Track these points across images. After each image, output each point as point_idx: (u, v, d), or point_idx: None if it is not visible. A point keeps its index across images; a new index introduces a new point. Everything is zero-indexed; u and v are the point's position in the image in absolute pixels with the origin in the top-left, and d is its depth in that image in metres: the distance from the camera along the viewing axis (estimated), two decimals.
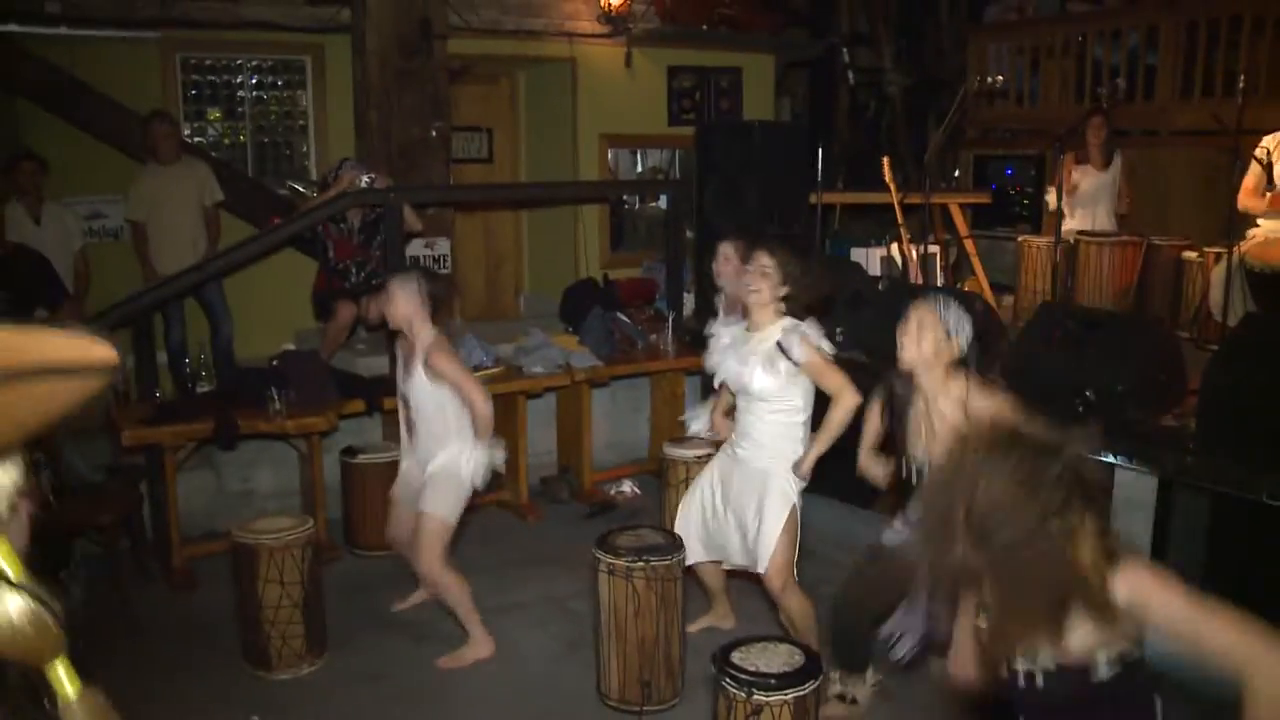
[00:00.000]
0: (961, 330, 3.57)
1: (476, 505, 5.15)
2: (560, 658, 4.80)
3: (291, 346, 6.79)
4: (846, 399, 4.07)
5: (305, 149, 8.60)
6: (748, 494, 4.30)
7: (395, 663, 4.76)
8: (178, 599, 5.43)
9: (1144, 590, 2.08)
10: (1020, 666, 2.25)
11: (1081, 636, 2.13)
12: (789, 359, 4.10)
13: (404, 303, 4.57)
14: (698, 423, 5.15)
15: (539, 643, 4.93)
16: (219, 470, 6.19)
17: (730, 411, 4.56)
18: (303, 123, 8.56)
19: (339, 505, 6.07)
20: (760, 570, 4.25)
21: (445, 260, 7.57)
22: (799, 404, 4.23)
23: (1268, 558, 4.62)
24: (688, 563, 4.48)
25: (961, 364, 3.63)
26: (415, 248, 7.18)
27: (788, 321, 4.18)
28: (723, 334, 4.45)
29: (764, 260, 4.17)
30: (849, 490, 5.30)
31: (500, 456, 4.73)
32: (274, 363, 6.09)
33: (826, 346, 4.16)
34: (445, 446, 4.61)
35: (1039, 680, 2.22)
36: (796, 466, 4.20)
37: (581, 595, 5.07)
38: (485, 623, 4.77)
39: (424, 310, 4.58)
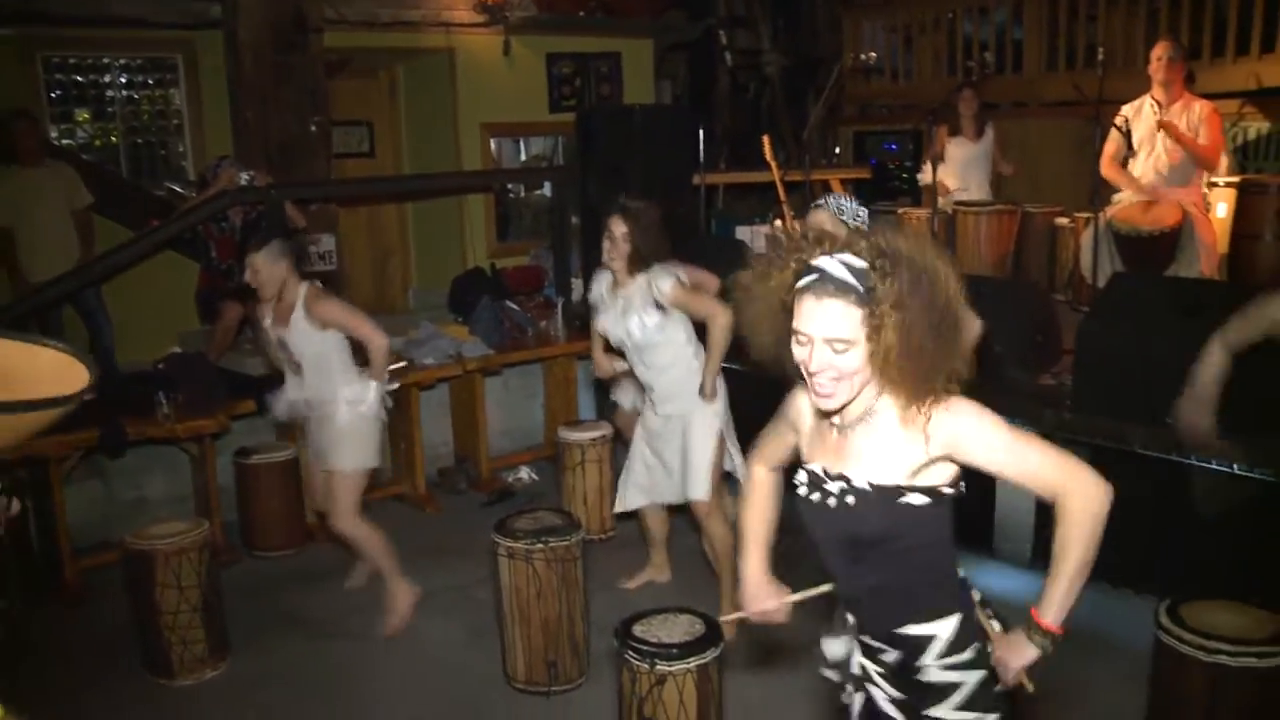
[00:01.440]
0: (862, 219, 3.59)
1: (370, 501, 5.19)
2: (466, 644, 4.84)
3: (178, 349, 6.69)
4: (720, 317, 4.32)
5: (181, 148, 8.43)
6: (672, 437, 4.67)
7: (300, 661, 4.76)
8: (72, 614, 5.32)
9: (966, 425, 2.10)
10: (834, 494, 2.20)
11: (899, 458, 2.14)
12: (658, 305, 4.45)
13: (272, 268, 4.61)
14: (625, 396, 5.55)
15: (444, 631, 4.96)
16: (108, 479, 6.07)
17: (610, 349, 4.86)
18: (177, 122, 8.39)
19: (235, 508, 6.02)
20: (689, 498, 4.63)
21: (331, 256, 7.52)
22: (683, 339, 4.60)
23: (1142, 505, 4.86)
24: (630, 508, 4.91)
25: None
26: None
27: (644, 276, 4.50)
28: (595, 292, 4.81)
29: (617, 228, 4.49)
30: None
31: (394, 384, 4.92)
32: (160, 366, 6.00)
33: (683, 277, 4.51)
34: (334, 388, 4.70)
35: (849, 502, 2.18)
36: (701, 393, 4.54)
37: (484, 582, 5.11)
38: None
39: (294, 270, 4.67)
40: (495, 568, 4.40)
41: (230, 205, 6.51)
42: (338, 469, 4.73)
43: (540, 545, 4.29)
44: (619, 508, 5.05)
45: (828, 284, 2.02)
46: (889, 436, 2.14)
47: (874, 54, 9.57)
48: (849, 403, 2.13)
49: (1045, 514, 5.14)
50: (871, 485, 2.15)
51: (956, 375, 2.10)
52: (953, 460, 2.14)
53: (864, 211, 3.55)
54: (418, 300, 9.32)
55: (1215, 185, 6.38)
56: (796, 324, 2.06)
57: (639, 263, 4.50)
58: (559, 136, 9.65)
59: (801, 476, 2.31)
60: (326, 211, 7.68)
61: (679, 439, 4.64)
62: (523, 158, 9.84)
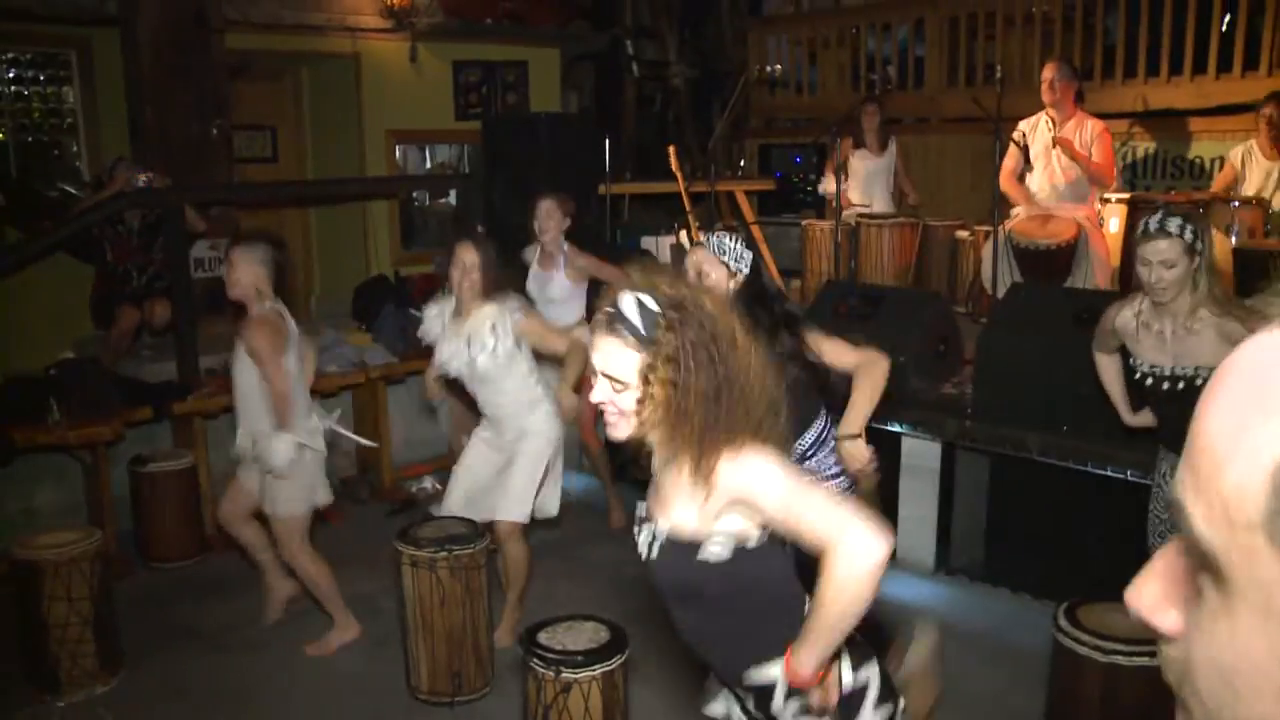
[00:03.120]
0: (743, 262, 3.47)
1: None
2: (369, 656, 4.76)
3: (70, 355, 6.49)
4: (576, 346, 4.32)
5: (75, 148, 8.17)
6: (507, 446, 4.66)
7: (196, 675, 4.64)
8: None
9: (748, 477, 2.05)
10: (643, 540, 2.21)
11: (694, 509, 2.11)
12: (501, 341, 4.41)
13: (247, 268, 4.42)
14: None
15: (347, 643, 4.88)
16: None
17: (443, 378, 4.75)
18: (71, 120, 8.12)
19: (130, 518, 5.85)
20: (497, 517, 4.59)
21: None
22: (525, 370, 4.59)
23: (1041, 509, 5.00)
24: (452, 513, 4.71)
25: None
26: (199, 250, 6.98)
27: (492, 306, 4.44)
28: (433, 323, 4.66)
29: (468, 256, 4.43)
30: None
31: (329, 420, 4.76)
32: (51, 372, 5.81)
33: (520, 314, 4.50)
34: (265, 427, 4.51)
35: (653, 555, 2.18)
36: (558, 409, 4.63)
37: (387, 593, 5.05)
38: (288, 626, 4.71)
39: (268, 280, 4.47)
40: (398, 577, 4.35)
41: (127, 207, 6.35)
42: (277, 514, 4.58)
43: (444, 553, 4.25)
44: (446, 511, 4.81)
45: (615, 321, 2.04)
46: (685, 485, 2.12)
47: (779, 66, 9.69)
48: (647, 443, 2.14)
49: (947, 521, 5.27)
50: (670, 538, 2.15)
51: (744, 441, 2.06)
52: (746, 509, 2.10)
53: (748, 255, 3.45)
54: (320, 307, 9.17)
55: (1108, 201, 6.58)
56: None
57: (487, 292, 4.44)
58: (465, 145, 9.60)
59: (638, 505, 2.32)
60: (227, 216, 7.53)
61: (510, 455, 4.64)
62: (428, 165, 9.76)
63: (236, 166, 8.00)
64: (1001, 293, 5.99)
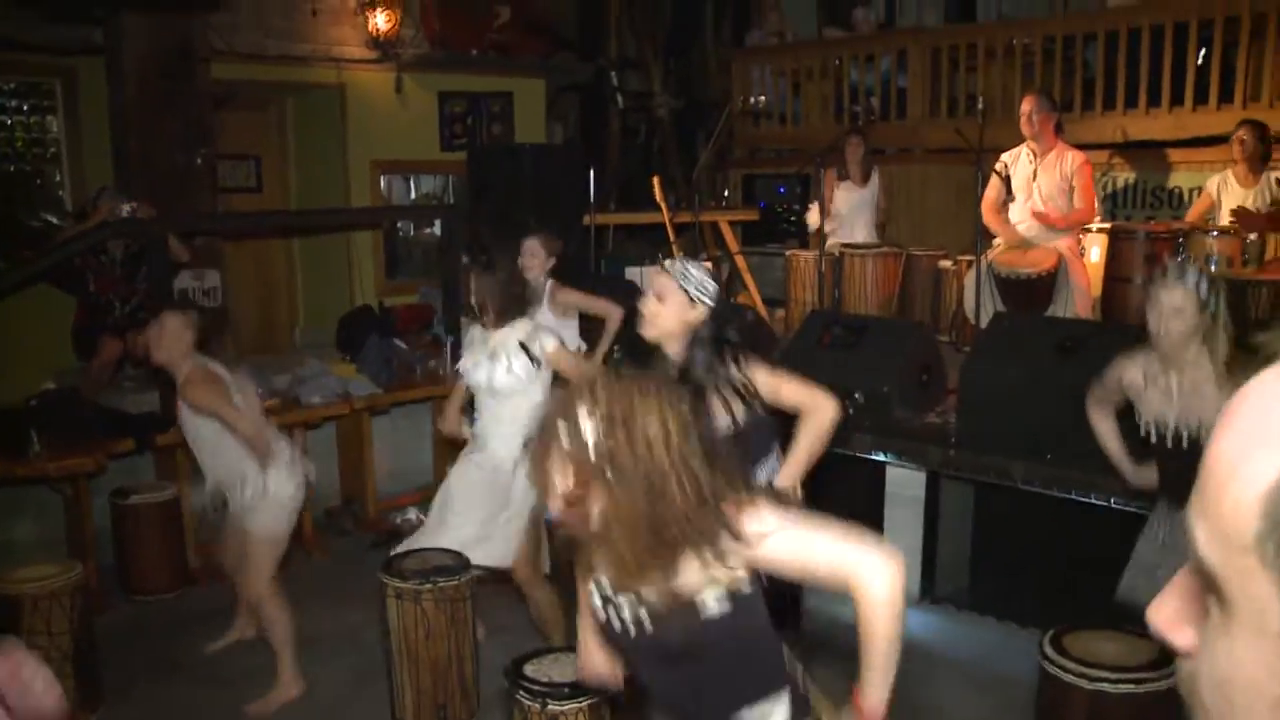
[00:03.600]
0: (705, 293, 3.38)
1: None
2: (354, 688, 4.73)
3: (51, 385, 6.46)
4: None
5: (59, 178, 8.15)
6: (495, 492, 4.49)
7: (178, 709, 4.61)
8: None
9: (762, 530, 2.03)
10: (626, 615, 2.13)
11: (689, 573, 2.05)
12: (531, 356, 4.36)
13: (170, 339, 4.40)
14: None
15: (331, 676, 4.84)
16: None
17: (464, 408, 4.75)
18: (54, 150, 8.11)
19: (111, 551, 5.80)
20: (507, 564, 4.54)
21: (216, 293, 7.36)
22: (539, 400, 4.42)
23: (1026, 537, 5.01)
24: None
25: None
26: (184, 280, 6.96)
27: (527, 323, 4.43)
28: (469, 332, 4.70)
29: (469, 283, 4.48)
30: None
31: (308, 467, 4.73)
32: (31, 403, 5.77)
33: (553, 341, 4.45)
34: (243, 474, 4.47)
35: (647, 626, 2.11)
36: None
37: (371, 625, 5.01)
38: (271, 659, 4.67)
39: (188, 346, 4.42)
40: (383, 609, 4.32)
41: (110, 237, 6.33)
42: (251, 530, 4.50)
43: (429, 585, 4.23)
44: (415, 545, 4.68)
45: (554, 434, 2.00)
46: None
47: (763, 97, 9.75)
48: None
49: (932, 550, 5.28)
50: (664, 604, 2.07)
51: (707, 529, 2.01)
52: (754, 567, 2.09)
53: (712, 286, 3.37)
54: (304, 338, 9.16)
55: (1088, 231, 6.63)
56: None
57: (499, 314, 4.41)
58: (449, 175, 9.62)
59: (592, 590, 2.21)
60: (212, 247, 7.52)
61: (504, 492, 4.50)
62: (412, 196, 9.78)
63: (221, 196, 8.00)
64: (984, 322, 6.03)
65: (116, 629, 5.26)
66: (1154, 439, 3.48)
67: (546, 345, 4.40)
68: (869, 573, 2.01)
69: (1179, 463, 3.45)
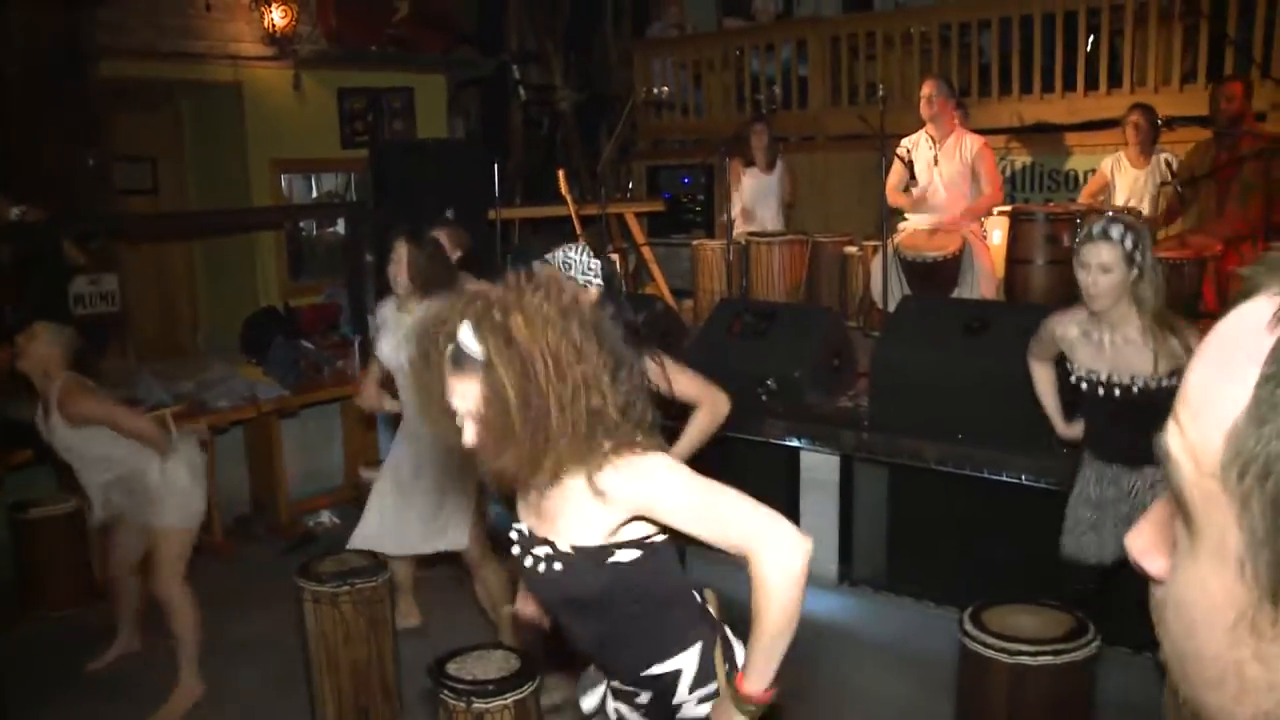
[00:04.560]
0: (593, 275, 3.40)
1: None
2: (272, 696, 4.64)
3: None
4: None
5: None
6: (431, 474, 4.44)
7: None
8: None
9: (648, 487, 2.02)
10: (539, 555, 2.13)
11: (591, 523, 2.06)
12: None
13: (44, 350, 4.27)
14: None
15: (248, 684, 4.75)
16: None
17: (383, 383, 4.66)
18: None
19: (11, 566, 5.61)
20: (458, 547, 4.51)
21: (114, 297, 7.13)
22: None
23: (940, 517, 5.08)
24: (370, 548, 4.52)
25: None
26: (80, 285, 6.74)
27: (438, 302, 4.30)
28: (381, 313, 4.61)
29: (400, 252, 4.36)
30: None
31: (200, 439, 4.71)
32: None
33: None
34: (141, 471, 4.35)
35: (556, 569, 2.10)
36: None
37: (287, 630, 4.91)
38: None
39: (59, 361, 4.29)
40: (300, 613, 4.24)
41: None
42: (160, 526, 4.36)
43: (346, 587, 4.17)
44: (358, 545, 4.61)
45: (460, 358, 1.96)
46: (579, 499, 2.05)
47: (666, 88, 9.76)
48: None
49: (848, 533, 5.34)
50: (574, 548, 2.08)
51: (627, 445, 2.01)
52: (648, 518, 2.06)
53: (596, 265, 3.39)
54: (207, 341, 8.95)
55: (990, 214, 6.76)
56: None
57: (424, 287, 4.34)
58: (351, 173, 9.47)
59: (513, 535, 2.23)
60: (108, 250, 7.30)
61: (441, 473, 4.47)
62: (314, 194, 9.60)
63: (117, 199, 7.77)
64: (892, 306, 6.11)
65: (20, 647, 5.09)
66: (1084, 389, 3.55)
67: None
68: (779, 542, 1.96)
69: (1106, 417, 3.54)
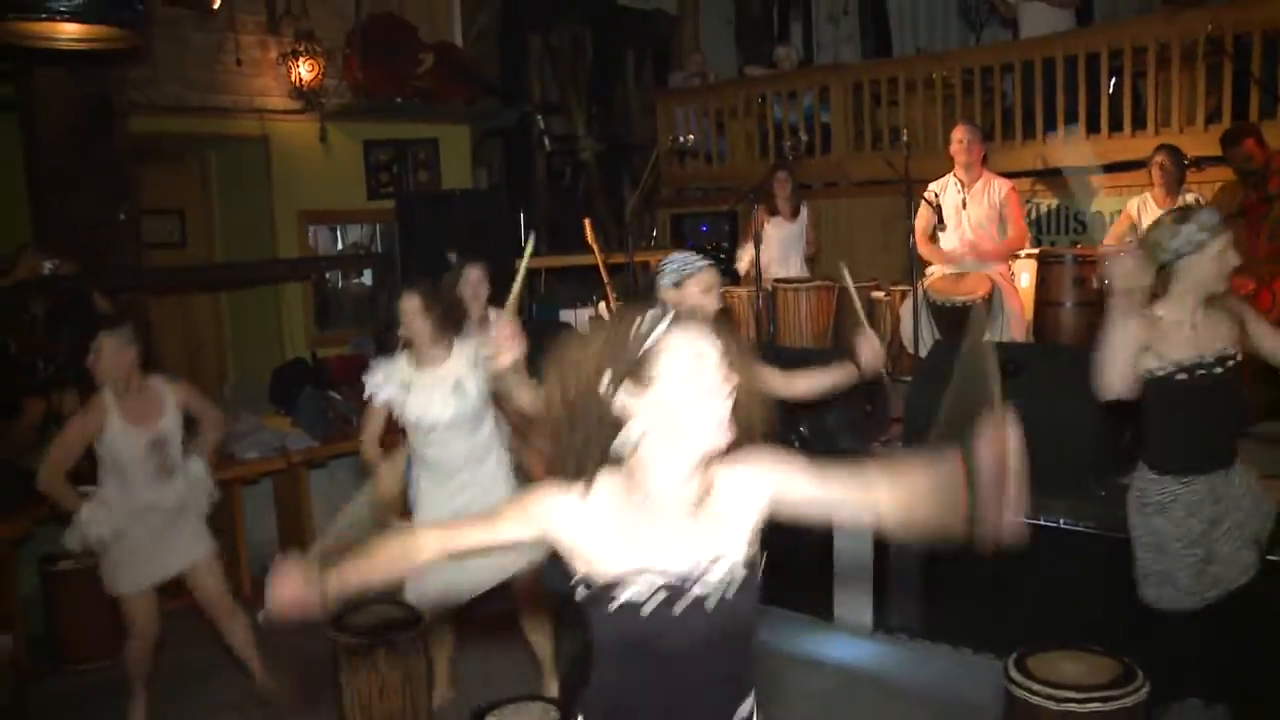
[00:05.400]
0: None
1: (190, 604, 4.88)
2: None
3: None
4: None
5: None
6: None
7: None
8: None
9: (772, 469, 2.07)
10: (713, 579, 1.99)
11: (740, 523, 2.04)
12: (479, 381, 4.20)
13: (119, 354, 4.32)
14: None
15: None
16: None
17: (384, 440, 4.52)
18: None
19: (41, 620, 5.59)
20: (512, 572, 4.30)
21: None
22: (493, 427, 4.40)
23: (977, 562, 5.00)
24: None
25: None
26: None
27: (468, 347, 4.29)
28: (389, 386, 4.32)
29: (408, 304, 4.19)
30: None
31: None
32: None
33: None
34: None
35: (731, 592, 1.99)
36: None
37: (318, 684, 4.87)
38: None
39: (133, 363, 4.38)
40: (335, 668, 4.21)
41: (33, 295, 6.15)
42: (208, 557, 4.61)
43: (382, 641, 4.13)
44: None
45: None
46: (726, 506, 2.04)
47: (692, 136, 9.81)
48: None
49: (883, 580, 5.27)
50: (744, 565, 2.01)
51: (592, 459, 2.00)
52: (777, 511, 2.08)
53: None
54: (235, 393, 8.94)
55: (1017, 257, 6.75)
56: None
57: (445, 334, 4.27)
58: (377, 224, 9.53)
59: (640, 590, 1.98)
60: (136, 303, 7.34)
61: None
62: (339, 246, 9.65)
63: (144, 252, 7.82)
64: (922, 351, 6.09)
65: (50, 701, 5.07)
66: (1174, 387, 3.43)
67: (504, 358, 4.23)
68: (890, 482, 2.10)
69: (1204, 407, 3.44)
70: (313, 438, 6.53)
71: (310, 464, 6.56)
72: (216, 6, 7.15)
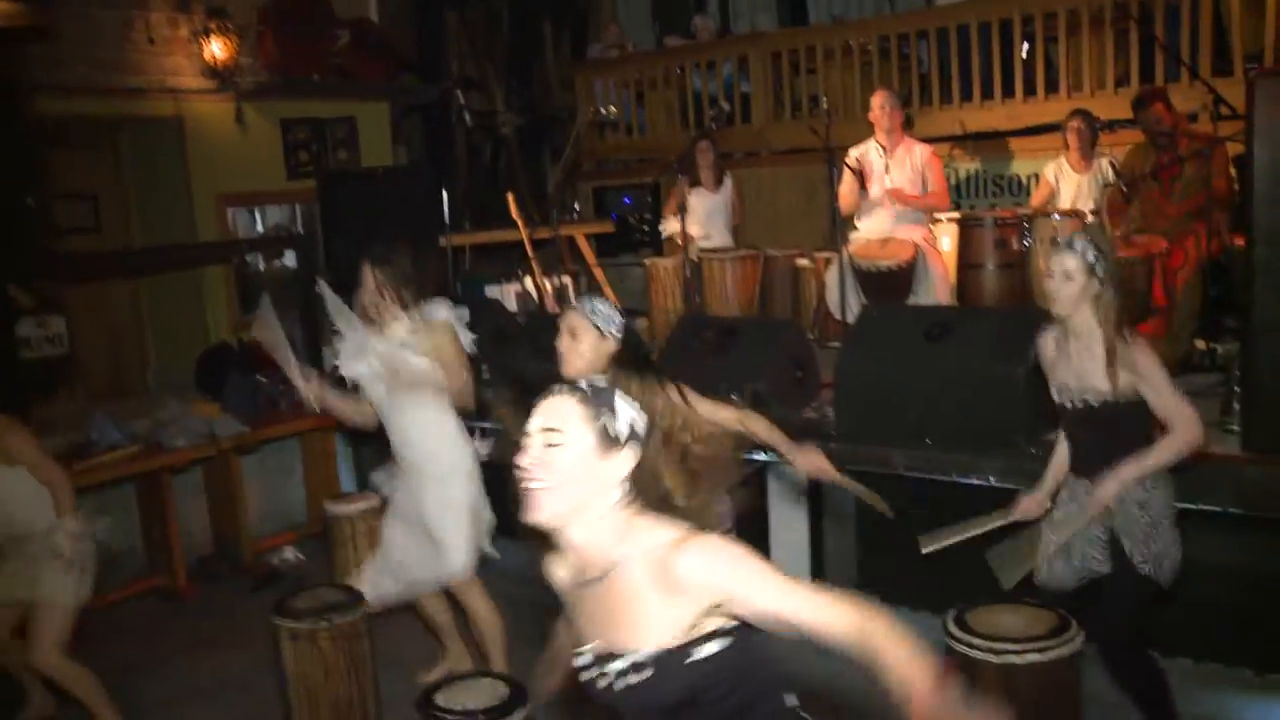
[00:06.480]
0: (613, 325, 3.51)
1: (123, 599, 4.78)
2: None
3: None
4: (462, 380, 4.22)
5: None
6: (416, 503, 4.33)
7: None
8: None
9: (717, 573, 1.94)
10: (615, 667, 2.03)
11: (666, 616, 1.98)
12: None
13: None
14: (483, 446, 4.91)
15: None
16: None
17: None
18: None
19: None
20: (442, 577, 4.35)
21: (62, 339, 7.02)
22: (430, 419, 4.30)
23: (910, 525, 5.11)
24: (378, 601, 4.43)
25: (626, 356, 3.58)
26: (27, 327, 6.62)
27: (422, 306, 4.25)
28: (348, 338, 4.32)
29: (367, 277, 4.20)
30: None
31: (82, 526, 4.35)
32: None
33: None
34: (30, 520, 4.23)
35: (631, 678, 2.01)
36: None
37: (259, 670, 4.84)
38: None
39: None
40: (277, 652, 4.18)
41: None
42: (46, 600, 4.20)
43: (325, 624, 4.11)
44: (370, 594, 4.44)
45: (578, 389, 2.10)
46: (648, 595, 1.98)
47: (613, 107, 9.77)
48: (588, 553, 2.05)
49: (820, 543, 5.32)
50: (652, 657, 1.98)
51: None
52: (730, 612, 1.98)
53: (619, 317, 3.51)
54: (159, 380, 8.80)
55: (939, 221, 6.85)
56: None
57: (405, 303, 4.23)
58: (296, 204, 9.38)
59: (579, 660, 2.12)
60: (51, 291, 7.17)
61: (422, 502, 4.33)
62: (259, 227, 9.49)
63: (59, 238, 7.63)
64: (849, 316, 6.16)
65: None
66: (1059, 404, 3.65)
67: (438, 314, 4.23)
68: (886, 635, 1.95)
69: (1075, 429, 3.65)
70: (242, 423, 6.45)
71: (241, 449, 6.49)
72: None
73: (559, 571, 2.19)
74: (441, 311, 4.28)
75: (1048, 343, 3.70)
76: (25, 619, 4.33)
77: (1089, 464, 3.61)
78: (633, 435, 2.04)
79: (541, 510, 1.99)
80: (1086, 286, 3.43)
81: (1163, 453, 3.40)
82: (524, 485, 1.99)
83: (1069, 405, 3.60)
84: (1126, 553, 3.51)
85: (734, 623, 2.01)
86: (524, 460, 1.99)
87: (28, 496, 4.26)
